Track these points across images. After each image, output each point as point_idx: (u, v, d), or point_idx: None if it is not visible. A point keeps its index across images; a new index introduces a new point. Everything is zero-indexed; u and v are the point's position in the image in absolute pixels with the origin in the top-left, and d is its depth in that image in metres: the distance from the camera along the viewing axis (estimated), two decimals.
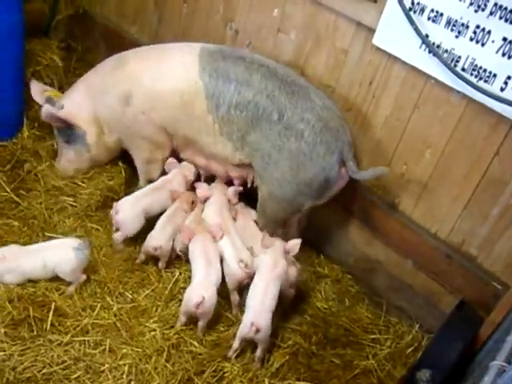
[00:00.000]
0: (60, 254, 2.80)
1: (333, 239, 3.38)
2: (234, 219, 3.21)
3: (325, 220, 3.36)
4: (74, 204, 3.31)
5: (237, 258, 2.90)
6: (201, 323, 2.76)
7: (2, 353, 2.48)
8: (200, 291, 2.71)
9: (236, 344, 2.70)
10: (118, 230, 3.10)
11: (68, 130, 3.36)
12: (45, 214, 3.20)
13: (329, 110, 2.96)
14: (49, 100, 3.34)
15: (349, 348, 2.93)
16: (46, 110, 3.28)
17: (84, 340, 2.62)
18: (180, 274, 3.06)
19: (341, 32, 3.03)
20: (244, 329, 2.66)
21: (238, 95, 2.98)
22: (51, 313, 2.66)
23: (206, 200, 3.25)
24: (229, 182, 3.33)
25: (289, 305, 3.01)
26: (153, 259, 3.09)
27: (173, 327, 2.78)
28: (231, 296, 2.93)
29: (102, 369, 2.54)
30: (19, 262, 2.78)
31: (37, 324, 2.61)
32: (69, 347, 2.58)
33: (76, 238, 2.90)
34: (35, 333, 2.58)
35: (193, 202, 3.23)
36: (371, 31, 2.88)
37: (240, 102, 2.98)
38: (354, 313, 3.14)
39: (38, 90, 3.47)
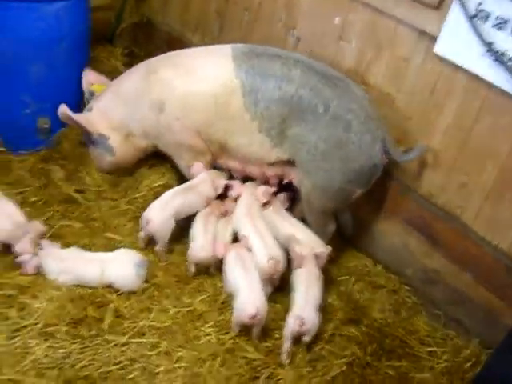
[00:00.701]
0: (120, 269, 2.84)
1: (391, 249, 3.33)
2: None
3: (383, 230, 3.33)
4: (133, 208, 3.37)
5: (267, 253, 2.92)
6: (255, 330, 2.76)
7: (62, 350, 2.55)
8: (253, 302, 2.70)
9: (286, 345, 2.70)
10: (145, 234, 3.10)
11: (87, 134, 3.40)
12: (104, 216, 3.28)
13: (368, 100, 3.05)
14: (90, 94, 3.47)
15: (404, 360, 2.87)
16: (61, 110, 3.26)
17: (141, 341, 2.66)
18: None
19: (402, 40, 3.00)
20: (289, 325, 2.69)
21: (279, 90, 3.01)
22: (109, 313, 2.71)
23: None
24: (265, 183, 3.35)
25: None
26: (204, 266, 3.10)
27: (228, 332, 2.79)
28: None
29: (158, 371, 2.57)
30: (78, 266, 2.85)
31: (95, 324, 2.67)
32: (125, 348, 2.62)
33: (137, 253, 2.92)
34: (94, 332, 2.64)
35: (225, 212, 3.25)
36: (433, 39, 2.84)
37: (282, 96, 3.01)
38: (410, 324, 3.08)
39: (87, 80, 3.53)
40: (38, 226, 2.96)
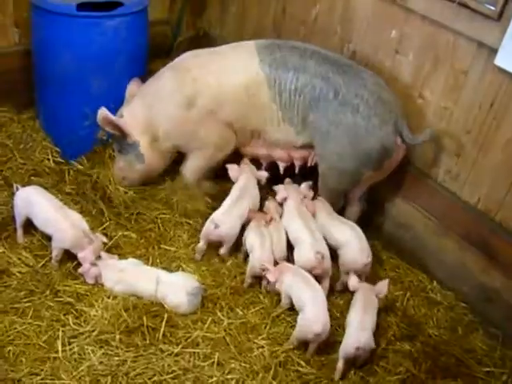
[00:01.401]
0: (173, 293, 2.85)
1: (447, 266, 3.26)
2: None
3: (440, 246, 3.27)
4: (189, 221, 3.40)
5: (314, 247, 2.99)
6: (313, 346, 2.75)
7: (117, 358, 2.59)
8: (319, 320, 2.69)
9: (340, 364, 2.68)
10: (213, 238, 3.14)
11: (122, 140, 3.41)
12: (161, 227, 3.32)
13: (380, 85, 3.20)
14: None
15: (460, 379, 2.79)
16: (102, 113, 3.30)
17: (194, 352, 2.68)
18: None
19: (461, 52, 2.96)
20: (347, 349, 2.66)
21: (297, 81, 3.22)
22: (164, 323, 2.73)
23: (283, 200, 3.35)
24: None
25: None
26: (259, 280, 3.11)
27: (281, 345, 2.79)
28: None
29: (210, 381, 2.58)
30: (134, 278, 2.89)
31: (150, 333, 2.70)
32: (179, 358, 2.64)
33: (193, 280, 2.92)
34: (148, 341, 2.67)
35: (270, 219, 3.26)
36: (493, 51, 2.79)
37: (298, 87, 3.22)
38: (467, 343, 3.00)
39: (131, 90, 3.52)
40: (100, 236, 3.02)
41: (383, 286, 2.94)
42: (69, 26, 3.36)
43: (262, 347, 2.76)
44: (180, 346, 2.68)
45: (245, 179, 3.36)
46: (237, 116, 3.34)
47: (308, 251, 3.00)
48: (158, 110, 3.36)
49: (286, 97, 3.24)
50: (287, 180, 3.49)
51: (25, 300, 2.81)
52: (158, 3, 4.25)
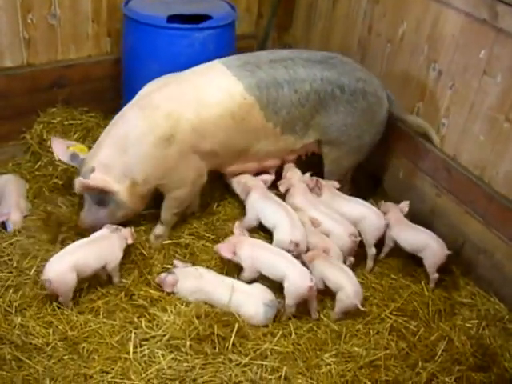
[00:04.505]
0: (249, 304, 2.86)
1: None
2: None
3: None
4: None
5: (346, 231, 3.16)
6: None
7: (186, 364, 2.62)
8: (357, 293, 2.93)
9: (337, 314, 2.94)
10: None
11: (101, 194, 3.07)
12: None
13: (354, 61, 3.47)
14: (73, 157, 3.16)
15: None
16: (81, 183, 3.01)
17: (262, 364, 2.68)
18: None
19: None
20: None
21: (296, 93, 3.21)
22: (234, 333, 2.74)
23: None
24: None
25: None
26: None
27: (348, 362, 2.76)
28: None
29: None
30: (209, 287, 2.92)
31: (219, 342, 2.71)
32: (247, 369, 2.65)
33: (270, 293, 2.91)
34: (217, 350, 2.69)
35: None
36: None
37: (299, 98, 3.22)
38: None
39: (61, 148, 3.23)
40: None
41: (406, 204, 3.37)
42: (158, 36, 3.48)
43: (330, 365, 2.73)
44: (248, 357, 2.69)
45: (258, 187, 3.35)
46: (222, 143, 3.16)
47: (342, 236, 3.16)
48: (132, 154, 3.01)
49: (286, 112, 3.21)
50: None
51: (100, 301, 2.90)
52: (245, 17, 4.32)
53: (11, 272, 3.00)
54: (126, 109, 3.14)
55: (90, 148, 3.27)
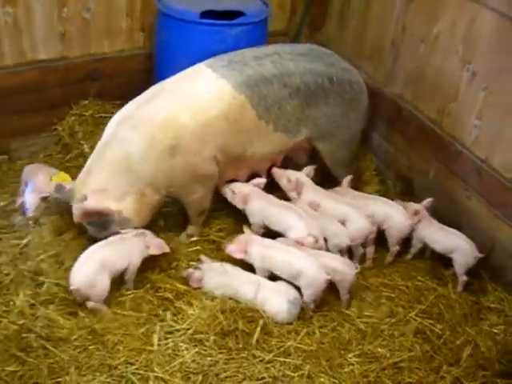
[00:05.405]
0: (273, 300, 2.86)
1: None
2: None
3: None
4: None
5: (363, 215, 3.24)
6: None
7: (209, 358, 2.63)
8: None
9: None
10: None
11: (100, 221, 2.98)
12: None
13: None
14: (59, 189, 3.02)
15: None
16: (80, 209, 2.89)
17: (285, 361, 2.68)
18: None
19: None
20: None
21: (286, 87, 3.21)
22: (258, 329, 2.75)
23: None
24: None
25: None
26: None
27: (371, 362, 2.74)
28: (355, 251, 3.27)
29: None
30: (235, 282, 2.93)
31: (244, 338, 2.72)
32: (270, 365, 2.65)
33: (295, 290, 2.91)
34: (241, 345, 2.70)
35: None
36: None
37: (290, 92, 3.22)
38: None
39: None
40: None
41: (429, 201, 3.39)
42: (190, 32, 3.50)
43: (353, 364, 2.72)
44: (272, 354, 2.69)
45: (256, 192, 3.29)
46: (222, 147, 3.11)
47: (361, 221, 3.25)
48: (139, 171, 2.95)
49: (278, 107, 3.20)
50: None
51: (127, 292, 2.93)
52: (278, 14, 4.31)
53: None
54: (114, 131, 3.01)
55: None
